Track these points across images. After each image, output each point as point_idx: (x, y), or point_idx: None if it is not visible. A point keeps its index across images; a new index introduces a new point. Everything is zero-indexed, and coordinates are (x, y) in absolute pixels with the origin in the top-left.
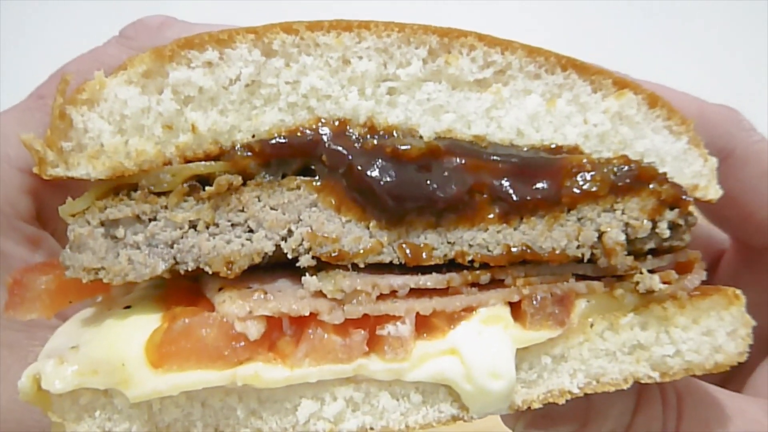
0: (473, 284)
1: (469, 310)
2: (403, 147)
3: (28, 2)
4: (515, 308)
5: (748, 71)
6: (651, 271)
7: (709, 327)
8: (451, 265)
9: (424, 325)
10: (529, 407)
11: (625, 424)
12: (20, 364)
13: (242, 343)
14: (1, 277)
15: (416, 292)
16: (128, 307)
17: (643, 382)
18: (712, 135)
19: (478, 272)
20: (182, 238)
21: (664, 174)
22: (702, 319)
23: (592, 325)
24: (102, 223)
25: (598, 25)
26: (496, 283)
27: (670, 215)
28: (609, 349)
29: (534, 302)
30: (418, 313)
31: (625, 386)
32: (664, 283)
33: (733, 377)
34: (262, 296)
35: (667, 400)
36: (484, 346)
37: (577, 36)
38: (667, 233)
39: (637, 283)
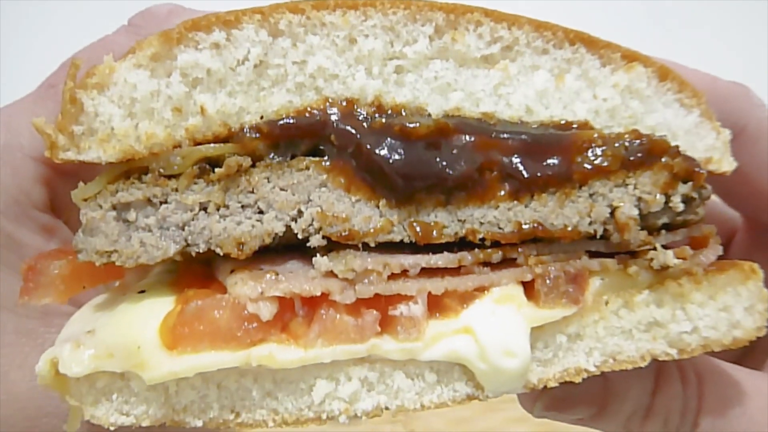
0: (485, 263)
1: (482, 289)
2: (411, 125)
3: (28, 2)
4: (528, 287)
5: (749, 71)
6: (665, 247)
7: (726, 303)
8: (462, 245)
9: (436, 304)
10: (545, 386)
11: (644, 405)
12: (37, 351)
13: (255, 324)
14: (17, 265)
15: (428, 272)
16: (142, 291)
17: (660, 359)
18: (723, 111)
19: (489, 251)
20: (193, 220)
21: (677, 147)
22: (719, 294)
23: (606, 303)
24: (114, 207)
25: (599, 25)
26: (508, 263)
27: (684, 189)
28: (625, 327)
29: (547, 281)
30: (430, 293)
31: (643, 364)
32: (679, 258)
33: (750, 354)
34: (274, 277)
35: (687, 379)
36: (498, 325)
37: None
38: (680, 207)
39: (652, 259)
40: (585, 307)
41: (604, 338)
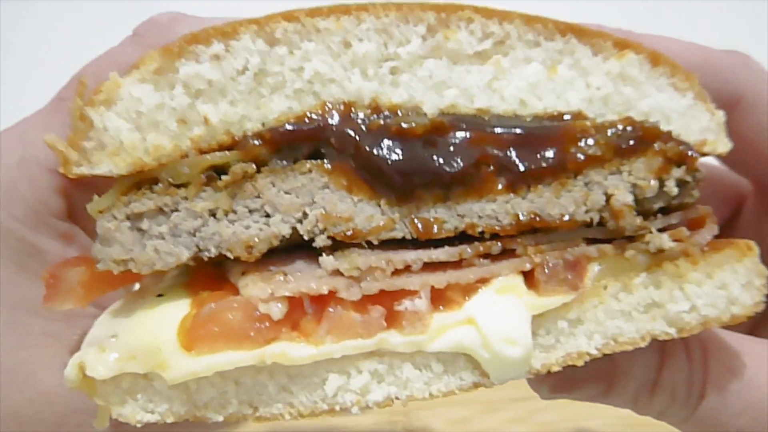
0: (485, 255)
1: (483, 281)
2: (407, 125)
3: (28, 2)
4: (528, 276)
5: None
6: (663, 230)
7: (724, 280)
8: (462, 238)
9: (439, 297)
10: (549, 371)
11: (651, 380)
12: (63, 352)
13: (267, 324)
14: (39, 271)
15: (430, 267)
16: (160, 295)
17: (661, 339)
18: (720, 81)
19: (489, 243)
20: (203, 226)
21: (669, 132)
22: (716, 273)
23: (605, 288)
24: (127, 217)
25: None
26: (507, 254)
27: (677, 173)
28: (624, 309)
29: (546, 269)
30: (433, 287)
31: (643, 344)
32: (676, 240)
33: (762, 324)
34: (282, 278)
35: (692, 352)
36: (500, 315)
37: None
38: (675, 191)
39: (648, 242)
40: (584, 293)
41: (604, 321)
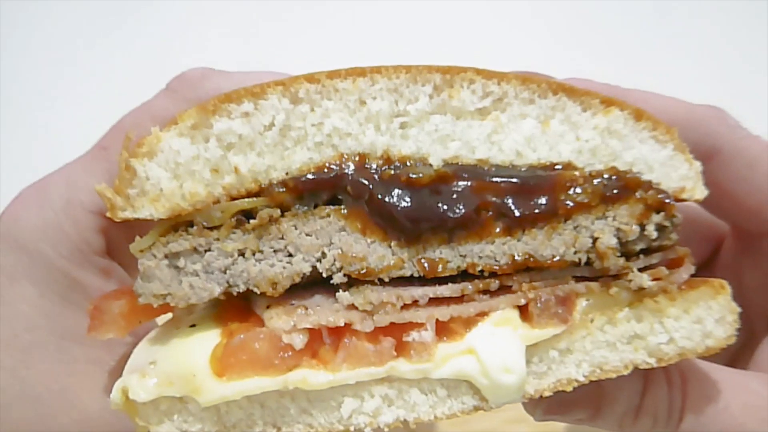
0: (485, 291)
1: (482, 314)
2: (415, 175)
3: (28, 2)
4: (523, 310)
5: (749, 72)
6: (645, 269)
7: (699, 316)
8: (464, 276)
9: (443, 329)
10: (542, 396)
11: (634, 405)
12: (104, 378)
13: (290, 353)
14: (81, 303)
15: (435, 301)
16: (193, 325)
17: (641, 368)
18: (700, 135)
19: (488, 280)
20: (233, 264)
21: (649, 181)
22: (692, 309)
23: (592, 321)
24: (166, 256)
25: (602, 26)
26: (504, 289)
27: (657, 218)
28: (609, 340)
29: (539, 304)
30: (437, 320)
31: (626, 372)
32: (655, 279)
33: (741, 356)
34: (303, 311)
35: (672, 381)
36: (497, 346)
37: (582, 36)
38: (654, 234)
39: (630, 281)
40: (573, 325)
41: (591, 351)
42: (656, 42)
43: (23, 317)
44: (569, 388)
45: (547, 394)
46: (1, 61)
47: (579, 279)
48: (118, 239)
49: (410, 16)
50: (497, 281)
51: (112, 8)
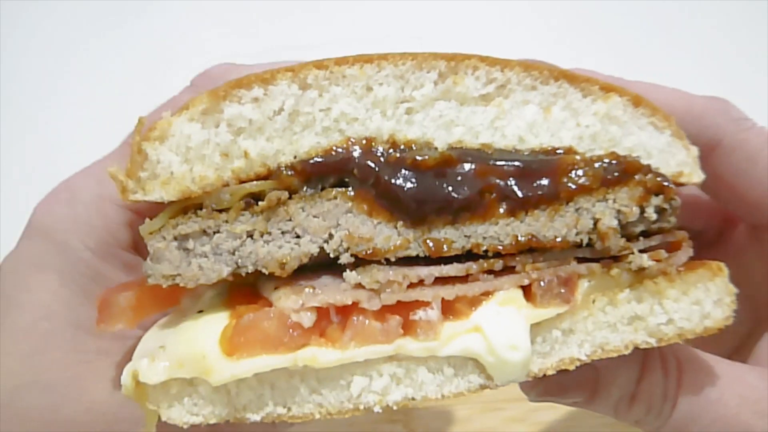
0: (489, 272)
1: (487, 294)
2: (421, 158)
3: (28, 2)
4: (526, 291)
5: (749, 70)
6: (644, 251)
7: (697, 297)
8: (469, 256)
9: (449, 308)
10: (545, 374)
11: (630, 391)
12: (112, 368)
13: (298, 331)
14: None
15: (441, 281)
16: (201, 311)
17: (642, 347)
18: (701, 127)
19: (492, 261)
20: (242, 246)
21: (648, 165)
22: (690, 290)
23: (594, 302)
24: (175, 238)
25: (603, 25)
26: (508, 270)
27: (656, 201)
28: (610, 321)
29: (542, 284)
30: (443, 299)
31: (626, 352)
32: (655, 261)
33: (744, 346)
34: (311, 291)
35: (668, 369)
36: (503, 324)
37: (584, 34)
38: (654, 216)
39: (630, 262)
40: (575, 306)
41: (593, 332)
42: (657, 41)
43: (43, 305)
44: (572, 367)
45: (550, 372)
46: (1, 61)
47: (581, 260)
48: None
49: (411, 16)
50: (501, 262)
51: (112, 8)
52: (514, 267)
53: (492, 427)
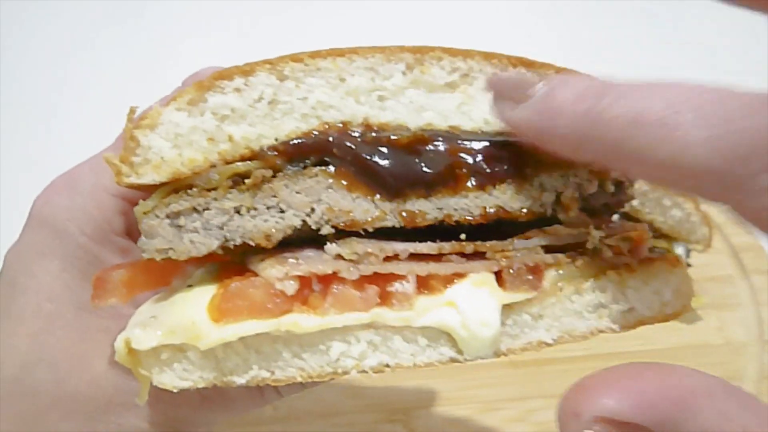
0: (462, 254)
1: (461, 275)
2: (395, 137)
3: (28, 2)
4: (498, 276)
5: (750, 73)
6: (606, 238)
7: (657, 287)
8: (443, 237)
9: (424, 284)
10: (513, 354)
11: None
12: (111, 344)
13: (282, 299)
14: None
15: (416, 257)
16: (190, 285)
17: (606, 333)
18: None
19: (464, 244)
20: (230, 221)
21: None
22: (650, 280)
23: (561, 290)
24: (167, 216)
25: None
26: (480, 255)
27: (614, 175)
28: (576, 308)
29: (511, 271)
30: (418, 275)
31: (592, 337)
32: (616, 254)
33: None
34: (295, 261)
35: None
36: (475, 301)
37: (581, 36)
38: (612, 189)
39: (593, 248)
40: (544, 292)
41: (560, 318)
42: (657, 42)
43: (47, 288)
44: (539, 350)
45: (518, 353)
46: (1, 61)
47: (548, 251)
48: (137, 222)
49: (412, 17)
50: (472, 245)
51: (112, 8)
52: (485, 253)
53: (490, 426)
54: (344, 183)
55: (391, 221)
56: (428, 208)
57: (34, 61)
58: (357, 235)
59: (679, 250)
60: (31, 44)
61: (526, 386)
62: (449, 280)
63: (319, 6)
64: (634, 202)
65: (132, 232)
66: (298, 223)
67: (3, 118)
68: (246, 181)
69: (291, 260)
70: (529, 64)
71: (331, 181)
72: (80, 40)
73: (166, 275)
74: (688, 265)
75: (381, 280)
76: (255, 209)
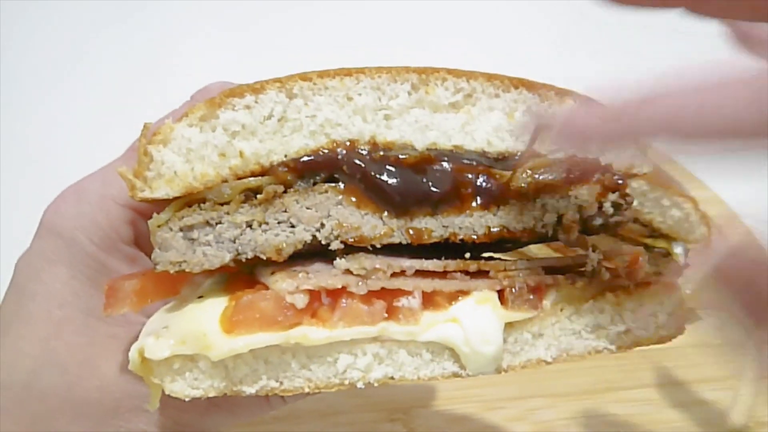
0: (466, 272)
1: (464, 293)
2: (403, 156)
3: (28, 2)
4: (500, 295)
5: None
6: (604, 266)
7: (653, 309)
8: (448, 254)
9: (429, 300)
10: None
11: None
12: (121, 350)
13: (292, 312)
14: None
15: (421, 274)
16: (201, 296)
17: (602, 353)
18: None
19: (468, 262)
20: (241, 235)
21: (606, 165)
22: (647, 303)
23: (561, 310)
24: (181, 229)
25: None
26: (483, 274)
27: (612, 197)
28: (575, 329)
29: (513, 290)
30: (423, 291)
31: (589, 357)
32: (614, 276)
33: None
34: (305, 275)
35: None
36: (478, 318)
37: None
38: (611, 210)
39: (592, 271)
40: (545, 312)
41: (559, 337)
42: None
43: (56, 295)
44: (538, 368)
45: (518, 370)
46: (1, 61)
47: (549, 272)
48: (145, 231)
49: (413, 19)
50: (476, 264)
51: (112, 8)
52: (488, 272)
53: (491, 425)
54: (353, 200)
55: (398, 238)
56: (434, 226)
57: (34, 61)
58: (365, 250)
59: (678, 249)
60: (31, 44)
61: (526, 385)
62: (453, 296)
63: (319, 6)
64: (634, 203)
65: (140, 242)
66: (308, 237)
67: (3, 118)
68: (258, 196)
69: (301, 275)
70: (529, 85)
71: (340, 197)
72: (80, 40)
73: (176, 285)
74: (687, 265)
75: (388, 295)
76: (266, 223)
